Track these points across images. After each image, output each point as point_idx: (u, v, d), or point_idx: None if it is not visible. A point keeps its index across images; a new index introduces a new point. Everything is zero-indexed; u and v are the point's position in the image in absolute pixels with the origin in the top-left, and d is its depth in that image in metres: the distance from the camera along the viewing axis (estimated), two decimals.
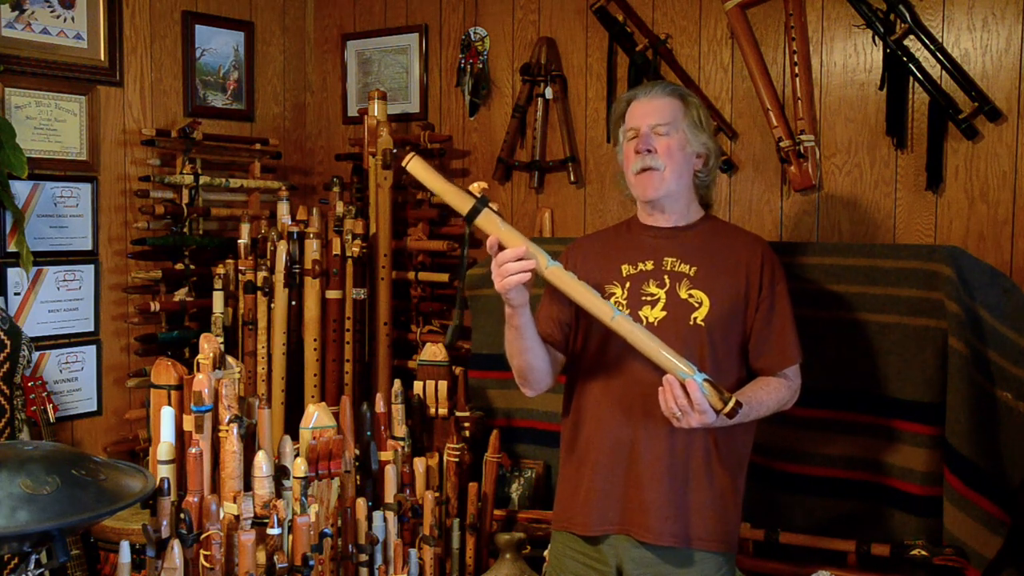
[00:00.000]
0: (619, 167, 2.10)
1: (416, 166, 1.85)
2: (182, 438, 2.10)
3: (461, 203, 1.83)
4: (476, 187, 1.83)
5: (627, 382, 1.95)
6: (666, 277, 1.97)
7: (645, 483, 1.93)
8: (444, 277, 3.34)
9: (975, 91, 2.50)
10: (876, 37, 2.63)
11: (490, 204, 1.82)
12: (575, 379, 2.07)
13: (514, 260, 1.78)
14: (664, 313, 1.94)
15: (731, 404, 1.75)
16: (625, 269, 2.01)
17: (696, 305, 1.94)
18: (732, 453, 1.97)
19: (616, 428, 1.96)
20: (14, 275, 2.99)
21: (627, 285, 1.99)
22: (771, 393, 1.95)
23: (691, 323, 1.93)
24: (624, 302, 1.97)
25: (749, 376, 2.00)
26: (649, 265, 2.00)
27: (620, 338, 1.83)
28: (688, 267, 1.97)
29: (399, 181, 3.40)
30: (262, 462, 2.10)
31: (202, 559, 1.95)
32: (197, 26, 3.47)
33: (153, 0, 3.35)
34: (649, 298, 1.97)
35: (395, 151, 3.28)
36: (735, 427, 1.95)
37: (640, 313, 1.95)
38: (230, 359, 2.21)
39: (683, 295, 1.95)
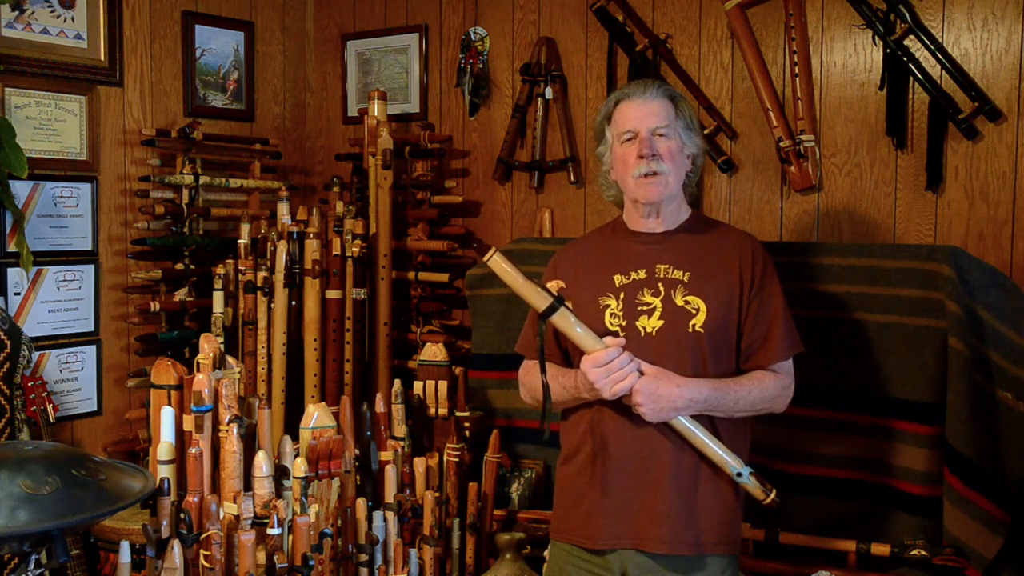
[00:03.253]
0: (600, 166, 2.09)
1: (496, 262, 1.90)
2: (182, 438, 2.10)
3: (538, 300, 1.88)
4: (554, 285, 1.90)
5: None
6: (660, 285, 1.96)
7: (655, 495, 1.91)
8: (444, 277, 3.33)
9: (975, 91, 2.50)
10: (876, 37, 2.63)
11: (566, 303, 1.88)
12: None
13: (617, 359, 1.85)
14: (662, 322, 1.93)
15: (772, 495, 1.89)
16: (618, 279, 1.99)
17: (693, 312, 1.93)
18: (735, 454, 1.96)
19: (621, 441, 1.94)
20: (14, 275, 2.99)
21: (621, 296, 1.97)
22: (752, 382, 1.92)
23: (690, 330, 1.92)
24: (620, 313, 1.95)
25: None
26: (642, 274, 1.98)
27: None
28: (681, 273, 1.96)
29: (399, 181, 3.40)
30: (262, 462, 2.09)
31: (202, 559, 1.95)
32: (197, 26, 3.47)
33: (153, 0, 3.35)
34: (645, 308, 1.95)
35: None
36: (734, 428, 1.95)
37: (637, 324, 1.94)
38: (230, 359, 2.20)
39: (679, 302, 1.94)
